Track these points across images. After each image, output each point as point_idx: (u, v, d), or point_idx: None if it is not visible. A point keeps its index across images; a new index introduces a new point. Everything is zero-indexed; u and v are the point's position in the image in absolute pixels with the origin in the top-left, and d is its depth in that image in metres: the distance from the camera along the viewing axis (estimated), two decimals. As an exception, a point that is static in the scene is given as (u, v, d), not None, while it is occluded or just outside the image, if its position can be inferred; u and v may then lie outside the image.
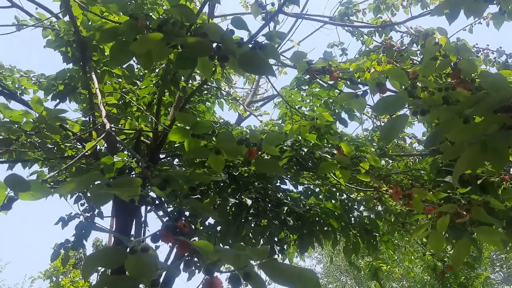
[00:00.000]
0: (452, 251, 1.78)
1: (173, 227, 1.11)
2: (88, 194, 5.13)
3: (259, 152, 1.69)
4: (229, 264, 0.94)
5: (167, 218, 1.26)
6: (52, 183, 4.96)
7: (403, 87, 2.39)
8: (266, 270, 0.91)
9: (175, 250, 4.41)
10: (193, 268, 1.20)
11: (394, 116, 1.63)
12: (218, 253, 0.89)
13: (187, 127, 1.76)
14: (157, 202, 1.28)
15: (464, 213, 1.83)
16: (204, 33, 1.44)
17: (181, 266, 1.19)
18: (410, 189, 2.19)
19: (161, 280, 1.10)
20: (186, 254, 1.14)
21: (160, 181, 1.32)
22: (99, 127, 2.55)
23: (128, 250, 1.08)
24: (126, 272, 1.08)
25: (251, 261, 0.93)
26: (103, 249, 1.13)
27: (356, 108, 2.08)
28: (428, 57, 2.25)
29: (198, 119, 1.74)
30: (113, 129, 1.94)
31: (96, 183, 1.38)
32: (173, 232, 1.10)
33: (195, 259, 1.21)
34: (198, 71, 5.38)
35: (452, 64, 2.18)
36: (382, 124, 5.54)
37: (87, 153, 2.75)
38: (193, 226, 3.48)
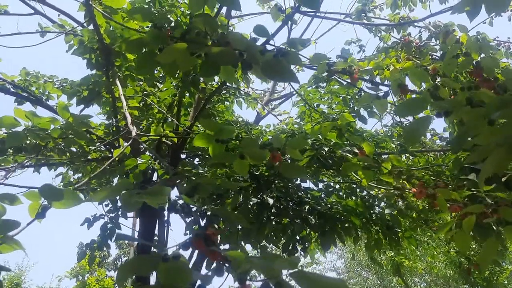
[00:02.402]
0: (480, 251, 1.77)
1: (203, 235, 1.14)
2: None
3: (283, 156, 1.71)
4: (261, 273, 0.97)
5: (195, 225, 1.29)
6: (77, 185, 5.08)
7: (423, 85, 2.38)
8: (297, 280, 0.94)
9: (195, 255, 4.47)
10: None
11: (417, 117, 1.63)
12: (249, 262, 0.92)
13: (211, 133, 1.79)
14: (186, 210, 1.31)
15: (491, 213, 1.82)
16: (228, 42, 1.47)
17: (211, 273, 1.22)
18: (434, 189, 2.18)
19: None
20: (216, 262, 1.17)
21: (189, 189, 1.35)
22: (126, 134, 2.61)
23: (160, 257, 1.12)
24: (151, 281, 1.12)
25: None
26: (136, 257, 1.17)
27: (378, 108, 2.08)
28: (450, 55, 2.24)
29: (222, 124, 1.77)
30: (138, 135, 1.98)
31: (127, 191, 1.43)
32: (204, 241, 1.14)
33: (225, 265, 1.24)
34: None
35: (474, 62, 2.16)
36: (402, 120, 5.49)
37: (115, 160, 2.82)
38: (215, 226, 3.52)
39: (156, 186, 1.27)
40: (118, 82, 2.85)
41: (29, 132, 2.66)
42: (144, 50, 1.60)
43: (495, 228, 1.81)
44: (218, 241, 1.23)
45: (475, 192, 2.41)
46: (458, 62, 2.24)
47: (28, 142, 3.09)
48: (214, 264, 1.19)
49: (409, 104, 1.59)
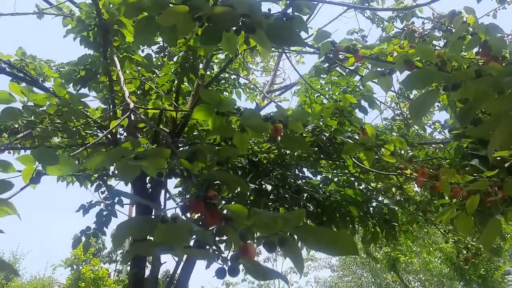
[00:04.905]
0: (482, 233, 1.73)
1: (204, 196, 1.10)
2: (109, 182, 5.20)
3: (285, 130, 1.66)
4: (264, 229, 0.92)
5: (194, 189, 1.24)
6: (72, 154, 5.02)
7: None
8: (300, 235, 0.89)
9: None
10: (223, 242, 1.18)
11: (424, 91, 1.58)
12: (253, 215, 0.87)
13: (212, 105, 1.74)
14: (185, 174, 1.27)
15: (496, 190, 1.78)
16: (230, 5, 1.42)
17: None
18: (437, 170, 2.14)
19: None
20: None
21: (188, 153, 1.30)
22: (123, 105, 2.55)
23: (159, 219, 1.07)
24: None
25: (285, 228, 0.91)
26: (134, 218, 1.12)
27: (382, 86, 2.04)
28: (456, 36, 2.19)
29: (222, 96, 1.72)
30: (136, 107, 1.93)
31: (123, 158, 1.38)
32: (204, 201, 1.09)
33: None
34: (216, 60, 5.35)
35: (481, 42, 2.12)
36: (403, 111, 5.46)
37: (112, 131, 2.76)
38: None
39: (154, 148, 1.22)
40: (115, 58, 2.79)
41: (25, 108, 2.60)
42: (144, 14, 1.55)
43: (501, 206, 1.77)
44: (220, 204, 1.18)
45: (477, 178, 2.37)
46: (464, 43, 2.20)
47: (22, 124, 3.03)
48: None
49: (416, 77, 1.55)
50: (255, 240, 0.95)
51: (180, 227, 1.04)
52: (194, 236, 1.01)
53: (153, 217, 1.09)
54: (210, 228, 1.18)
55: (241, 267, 0.90)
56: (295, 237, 0.92)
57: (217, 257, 0.98)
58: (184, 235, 1.02)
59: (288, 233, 0.94)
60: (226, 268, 0.90)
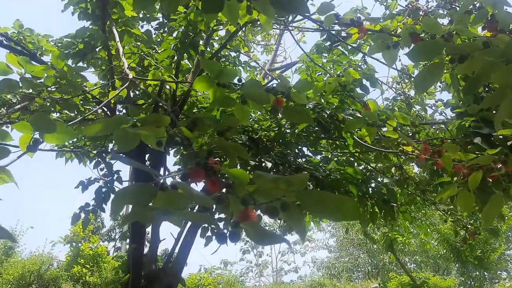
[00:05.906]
0: (484, 208, 1.72)
1: (205, 164, 1.07)
2: (107, 159, 5.19)
3: (287, 101, 1.63)
4: (266, 195, 0.90)
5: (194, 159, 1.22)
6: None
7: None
8: (302, 201, 0.87)
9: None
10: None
11: (429, 63, 1.55)
12: (256, 178, 0.85)
13: (212, 76, 1.71)
14: (185, 142, 1.24)
15: (500, 166, 1.76)
16: (233, -30, 1.38)
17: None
18: (440, 146, 2.12)
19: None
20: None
21: (188, 122, 1.28)
22: (122, 76, 2.52)
23: (158, 186, 1.05)
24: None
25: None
26: (132, 185, 1.10)
27: (387, 60, 2.00)
28: (463, 10, 2.15)
29: (223, 66, 1.68)
30: (135, 78, 1.89)
31: (122, 127, 1.35)
32: (205, 169, 1.07)
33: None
34: (216, 38, 5.26)
35: (488, 16, 2.07)
36: (404, 91, 5.42)
37: (111, 107, 2.73)
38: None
39: (154, 115, 1.19)
40: (114, 30, 2.74)
41: (22, 80, 2.56)
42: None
43: (503, 182, 1.75)
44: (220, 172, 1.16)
45: (480, 155, 2.35)
46: (471, 18, 2.15)
47: (19, 99, 2.99)
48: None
49: (423, 48, 1.51)
50: (256, 206, 0.93)
51: (180, 194, 1.02)
52: (194, 203, 0.99)
53: (152, 184, 1.07)
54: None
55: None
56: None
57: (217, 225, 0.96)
58: (183, 202, 1.00)
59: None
60: (227, 233, 0.88)
